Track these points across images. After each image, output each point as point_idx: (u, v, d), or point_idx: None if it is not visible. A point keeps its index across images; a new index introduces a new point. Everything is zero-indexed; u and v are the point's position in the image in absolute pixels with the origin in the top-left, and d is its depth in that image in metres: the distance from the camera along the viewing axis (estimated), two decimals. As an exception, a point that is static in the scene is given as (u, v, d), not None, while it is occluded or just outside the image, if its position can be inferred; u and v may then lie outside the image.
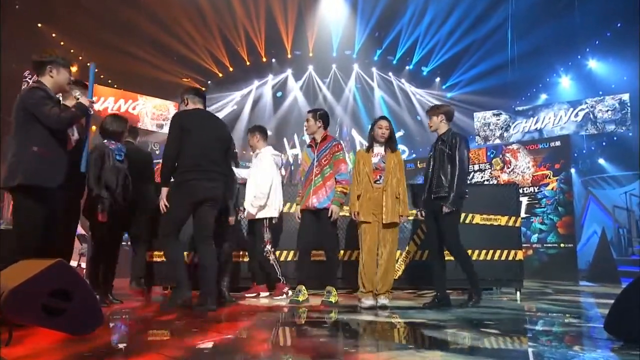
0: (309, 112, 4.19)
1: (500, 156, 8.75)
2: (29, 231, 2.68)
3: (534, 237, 7.93)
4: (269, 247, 4.27)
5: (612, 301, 2.31)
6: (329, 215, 3.83)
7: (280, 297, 4.22)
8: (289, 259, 4.82)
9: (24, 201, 2.69)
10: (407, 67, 15.72)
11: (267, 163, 4.38)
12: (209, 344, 2.15)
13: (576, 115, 9.94)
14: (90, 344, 2.10)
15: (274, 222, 4.35)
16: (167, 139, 3.34)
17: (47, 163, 2.72)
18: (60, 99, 3.15)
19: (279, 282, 4.27)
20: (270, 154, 4.47)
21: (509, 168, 8.54)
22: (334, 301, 3.76)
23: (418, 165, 10.26)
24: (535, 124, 10.43)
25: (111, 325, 2.83)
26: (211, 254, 3.33)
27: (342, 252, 4.81)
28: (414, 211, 4.42)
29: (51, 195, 2.76)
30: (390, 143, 3.90)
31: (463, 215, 4.95)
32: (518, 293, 4.77)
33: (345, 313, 3.35)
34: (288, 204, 4.92)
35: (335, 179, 3.92)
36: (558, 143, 8.27)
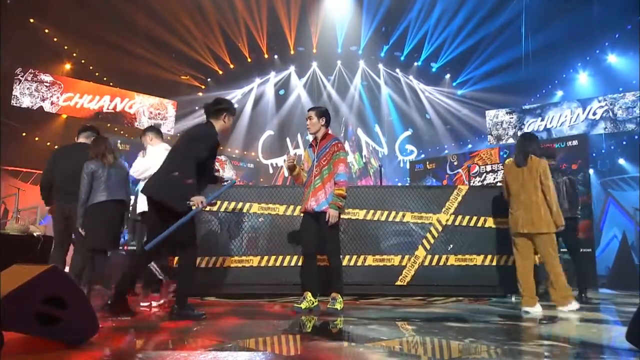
0: (311, 109, 4.17)
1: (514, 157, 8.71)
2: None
3: (550, 242, 7.87)
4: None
5: (634, 309, 2.29)
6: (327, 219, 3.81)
7: (145, 303, 4.10)
8: (292, 264, 4.82)
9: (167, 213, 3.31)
10: (415, 64, 15.68)
11: (154, 151, 4.40)
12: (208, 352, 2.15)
13: (594, 113, 9.88)
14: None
15: None
16: None
17: (179, 188, 3.26)
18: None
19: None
20: (164, 148, 4.44)
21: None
22: (339, 308, 3.75)
23: (427, 166, 10.23)
24: (550, 122, 10.38)
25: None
26: None
27: (348, 257, 4.82)
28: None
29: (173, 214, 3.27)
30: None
31: (475, 218, 4.95)
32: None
33: (347, 323, 3.34)
34: (292, 207, 4.93)
35: (334, 180, 3.90)
36: (575, 142, 8.21)
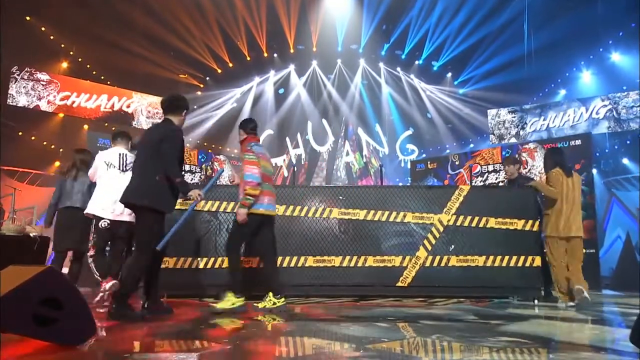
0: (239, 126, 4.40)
1: (516, 156, 8.70)
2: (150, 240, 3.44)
3: (553, 242, 7.86)
4: (91, 252, 4.53)
5: (638, 311, 2.29)
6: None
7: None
8: (292, 265, 4.82)
9: (149, 217, 3.41)
10: (416, 62, 15.68)
11: (102, 153, 4.74)
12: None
13: (597, 112, 9.87)
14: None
15: (102, 225, 4.46)
16: None
17: (165, 190, 3.44)
18: None
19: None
20: (104, 154, 4.70)
21: (525, 169, 8.48)
22: (220, 307, 3.78)
23: (429, 165, 10.21)
24: (553, 121, 10.37)
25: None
26: None
27: (348, 257, 4.82)
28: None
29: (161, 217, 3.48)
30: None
31: (477, 219, 4.96)
32: (536, 301, 4.75)
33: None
34: (291, 207, 4.94)
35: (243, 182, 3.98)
36: (578, 142, 8.19)
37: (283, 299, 3.94)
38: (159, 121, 3.84)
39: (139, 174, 3.52)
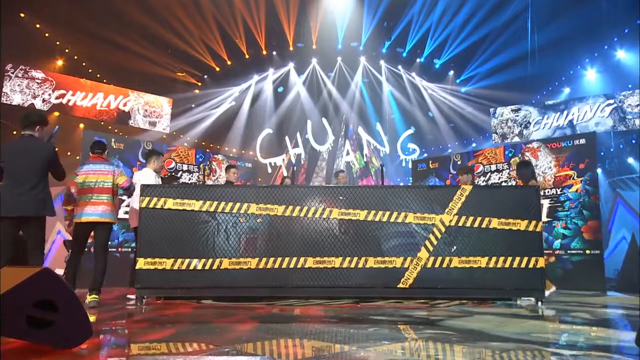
0: None
1: (520, 155, 8.70)
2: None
3: (557, 243, 7.86)
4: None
5: (639, 312, 2.29)
6: None
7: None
8: (291, 266, 4.82)
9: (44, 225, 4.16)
10: (417, 60, 15.68)
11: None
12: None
13: (602, 110, 9.87)
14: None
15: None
16: None
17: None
18: None
19: None
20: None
21: (529, 168, 8.49)
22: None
23: (430, 165, 10.22)
24: (556, 120, 10.38)
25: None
26: None
27: (349, 258, 4.81)
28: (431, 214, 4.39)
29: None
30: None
31: (479, 219, 4.95)
32: (539, 303, 4.74)
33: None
34: (290, 207, 4.93)
35: None
36: (582, 141, 8.19)
37: (94, 295, 4.53)
38: (29, 133, 4.33)
39: (37, 188, 4.07)
